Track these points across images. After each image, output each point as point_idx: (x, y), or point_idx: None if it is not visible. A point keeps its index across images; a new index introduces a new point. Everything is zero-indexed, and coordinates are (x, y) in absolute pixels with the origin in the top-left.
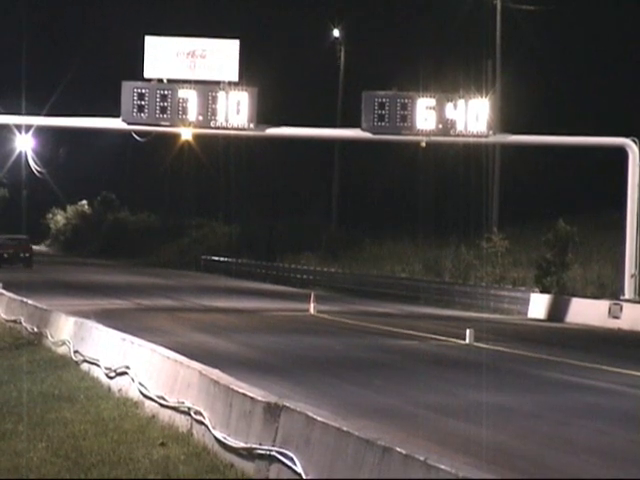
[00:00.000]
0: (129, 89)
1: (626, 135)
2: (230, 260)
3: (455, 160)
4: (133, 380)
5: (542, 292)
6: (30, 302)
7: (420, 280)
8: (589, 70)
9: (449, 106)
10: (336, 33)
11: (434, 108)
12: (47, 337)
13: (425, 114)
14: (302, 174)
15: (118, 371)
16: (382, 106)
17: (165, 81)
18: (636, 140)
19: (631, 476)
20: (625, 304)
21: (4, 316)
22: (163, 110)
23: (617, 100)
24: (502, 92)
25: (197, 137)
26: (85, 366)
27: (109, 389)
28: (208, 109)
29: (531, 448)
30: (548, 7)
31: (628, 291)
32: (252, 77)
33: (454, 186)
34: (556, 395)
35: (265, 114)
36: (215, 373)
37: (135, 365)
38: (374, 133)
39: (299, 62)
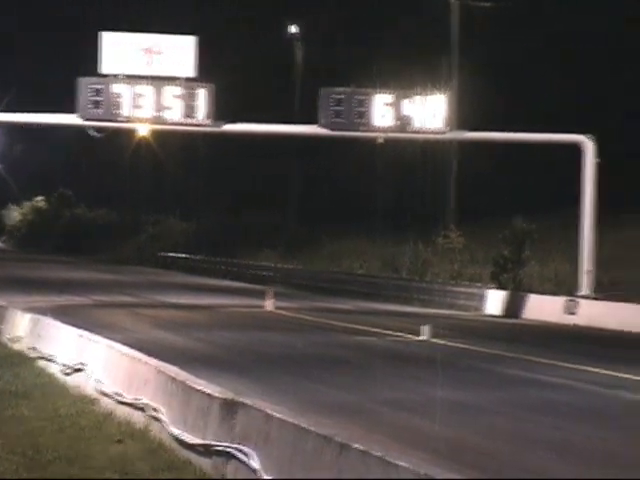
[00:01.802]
0: (85, 85)
1: (583, 132)
2: (189, 257)
3: (413, 157)
4: (90, 377)
5: (499, 289)
6: None
7: (378, 277)
8: (546, 66)
9: (406, 103)
10: (293, 29)
11: (391, 105)
12: (3, 334)
13: (382, 111)
14: (262, 171)
15: (75, 367)
16: (339, 103)
17: (121, 77)
18: (591, 137)
19: (590, 473)
20: (581, 300)
21: None
22: (118, 106)
23: (574, 96)
24: (460, 89)
25: (155, 133)
26: (41, 363)
27: (66, 386)
28: (164, 105)
29: (489, 444)
30: (506, 3)
31: (584, 287)
32: (210, 74)
33: (412, 183)
34: (513, 391)
35: (223, 110)
36: (173, 370)
37: (92, 362)
38: (331, 130)
39: (257, 59)
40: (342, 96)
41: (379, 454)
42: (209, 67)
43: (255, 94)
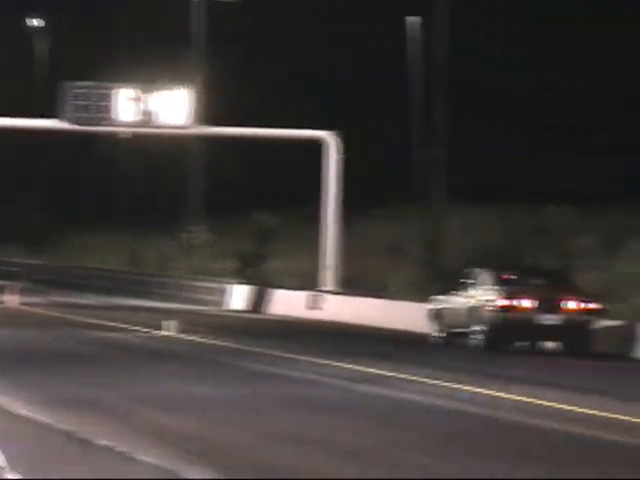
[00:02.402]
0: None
1: (326, 128)
2: None
3: (160, 152)
4: None
5: (243, 283)
6: None
7: (122, 272)
8: (295, 63)
9: (150, 98)
10: (34, 22)
11: (135, 99)
12: None
13: (126, 105)
14: (6, 164)
15: None
16: (81, 97)
17: None
18: (334, 133)
19: (336, 466)
20: (325, 295)
21: None
22: None
23: (321, 93)
24: (207, 84)
25: None
26: None
27: None
28: None
29: (232, 438)
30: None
31: (328, 282)
32: None
33: (159, 178)
34: (258, 386)
35: None
36: None
37: None
38: (73, 124)
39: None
40: (84, 90)
41: (124, 450)
42: None
43: None
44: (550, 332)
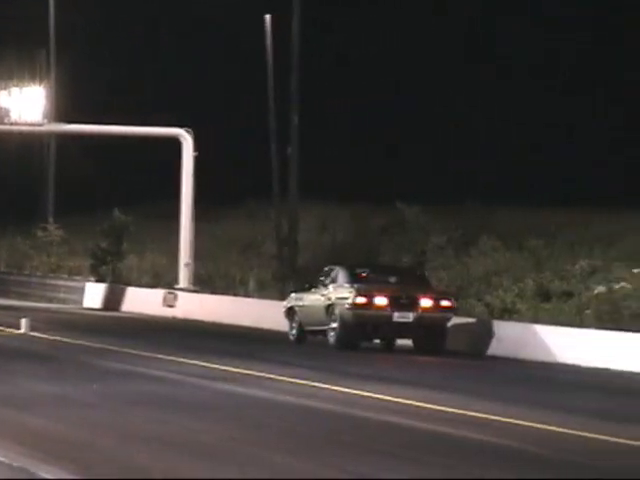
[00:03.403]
0: None
1: (184, 126)
2: None
3: (14, 149)
4: None
5: (98, 281)
6: None
7: None
8: (152, 59)
9: (3, 95)
10: None
11: None
12: None
13: None
14: None
15: None
16: None
17: None
18: (190, 130)
19: (192, 465)
20: (180, 293)
21: None
22: None
23: (173, 91)
24: (63, 81)
25: None
26: None
27: None
28: None
29: (87, 437)
30: None
31: (183, 280)
32: None
33: (12, 176)
34: (112, 384)
35: None
36: None
37: None
38: None
39: None
40: None
41: None
42: None
43: None
44: (404, 330)
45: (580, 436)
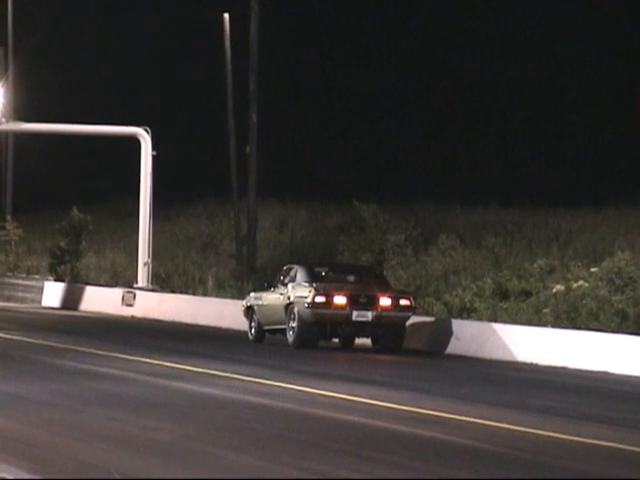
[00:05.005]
0: None
1: (144, 125)
2: None
3: None
4: None
5: (56, 280)
6: None
7: None
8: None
9: None
10: None
11: None
12: None
13: None
14: None
15: None
16: None
17: None
18: (148, 129)
19: (149, 465)
20: (138, 292)
21: None
22: None
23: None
24: (21, 80)
25: None
26: None
27: None
28: None
29: (43, 436)
30: None
31: (141, 279)
32: None
33: None
34: (70, 383)
35: None
36: None
37: None
38: None
39: None
40: None
41: None
42: None
43: None
44: (363, 329)
45: (532, 434)
